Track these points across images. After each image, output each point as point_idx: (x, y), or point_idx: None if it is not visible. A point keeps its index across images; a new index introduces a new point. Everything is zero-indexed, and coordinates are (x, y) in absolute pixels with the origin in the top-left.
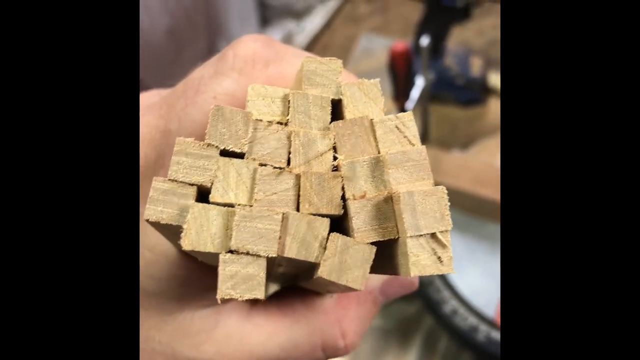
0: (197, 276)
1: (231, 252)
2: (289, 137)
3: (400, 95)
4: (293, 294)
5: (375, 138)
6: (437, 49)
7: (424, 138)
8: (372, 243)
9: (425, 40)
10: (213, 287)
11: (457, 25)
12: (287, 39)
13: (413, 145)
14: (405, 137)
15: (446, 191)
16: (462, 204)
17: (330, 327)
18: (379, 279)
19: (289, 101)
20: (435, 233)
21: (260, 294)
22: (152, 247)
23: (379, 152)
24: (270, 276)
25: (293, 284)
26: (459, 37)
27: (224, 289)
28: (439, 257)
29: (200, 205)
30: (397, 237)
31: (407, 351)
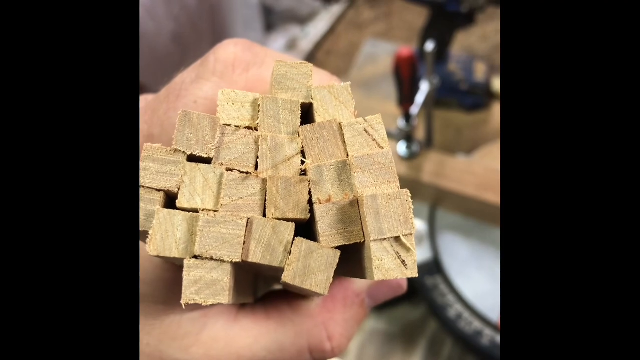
0: None
1: (195, 257)
2: (256, 142)
3: (405, 100)
4: (281, 297)
5: (343, 141)
6: (441, 54)
7: (428, 143)
8: (338, 247)
9: (430, 45)
10: None
11: (461, 31)
12: (291, 44)
13: (382, 148)
14: (374, 140)
15: (410, 195)
16: (467, 209)
17: (317, 330)
18: (366, 281)
19: (259, 105)
20: (399, 237)
21: (224, 299)
22: None
23: (347, 156)
24: (260, 278)
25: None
26: (462, 42)
27: (188, 294)
28: (403, 261)
29: (166, 210)
30: (363, 240)
31: (412, 355)
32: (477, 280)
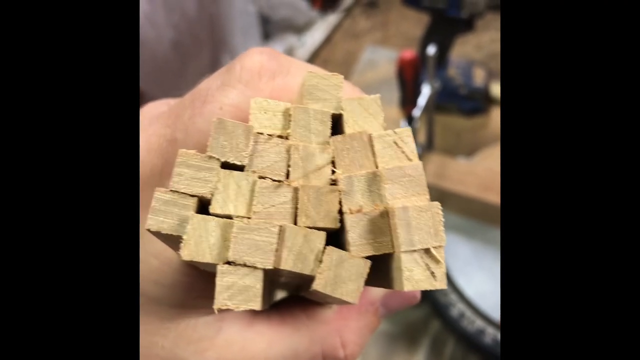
0: (200, 283)
1: (229, 263)
2: (288, 151)
3: (407, 102)
4: (295, 303)
5: (373, 153)
6: (441, 59)
7: (429, 146)
8: (367, 257)
9: (432, 49)
10: None
11: (460, 36)
12: (288, 53)
13: (411, 160)
14: (403, 152)
15: (441, 207)
16: (469, 210)
17: (331, 337)
18: (380, 290)
19: (290, 115)
20: (429, 248)
21: (256, 305)
22: (157, 254)
23: (377, 167)
24: (273, 284)
25: (296, 293)
26: (459, 51)
27: (220, 300)
28: (432, 273)
29: (200, 216)
30: (392, 251)
31: (414, 355)
32: (479, 280)
